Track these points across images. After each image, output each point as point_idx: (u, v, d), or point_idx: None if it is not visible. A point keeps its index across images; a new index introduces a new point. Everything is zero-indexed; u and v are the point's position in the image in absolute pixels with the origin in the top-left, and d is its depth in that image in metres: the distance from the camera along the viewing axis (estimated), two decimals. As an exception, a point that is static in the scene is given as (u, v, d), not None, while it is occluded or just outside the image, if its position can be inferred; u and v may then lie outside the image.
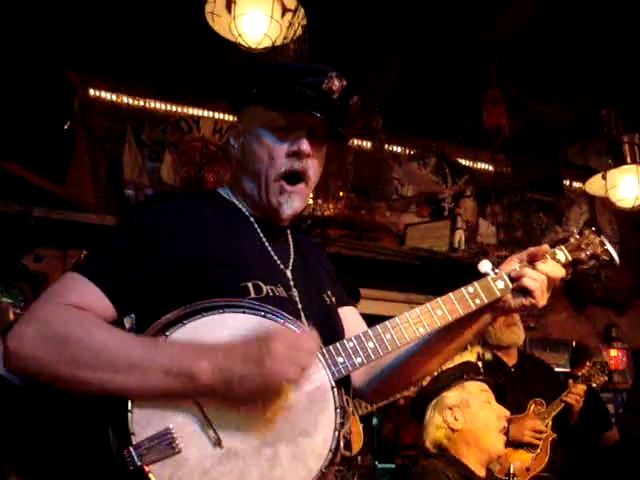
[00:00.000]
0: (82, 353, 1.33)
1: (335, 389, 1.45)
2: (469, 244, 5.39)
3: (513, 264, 1.70)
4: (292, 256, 1.72)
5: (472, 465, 2.80)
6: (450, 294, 1.62)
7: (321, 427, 1.40)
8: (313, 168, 1.70)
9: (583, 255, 1.78)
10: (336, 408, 1.43)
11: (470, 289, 1.63)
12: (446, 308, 1.60)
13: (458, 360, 3.42)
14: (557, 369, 4.76)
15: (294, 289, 1.61)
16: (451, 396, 2.90)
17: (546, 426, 3.71)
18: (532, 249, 1.71)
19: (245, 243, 1.65)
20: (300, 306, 1.57)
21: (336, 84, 1.66)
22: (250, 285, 1.51)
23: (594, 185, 4.85)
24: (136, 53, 4.51)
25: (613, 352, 6.02)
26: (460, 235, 5.35)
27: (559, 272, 1.69)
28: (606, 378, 3.89)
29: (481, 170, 5.83)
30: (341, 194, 5.06)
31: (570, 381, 3.89)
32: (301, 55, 3.81)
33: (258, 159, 1.67)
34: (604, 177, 4.65)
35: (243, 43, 3.74)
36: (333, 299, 1.76)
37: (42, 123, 4.38)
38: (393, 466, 4.55)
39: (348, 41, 4.26)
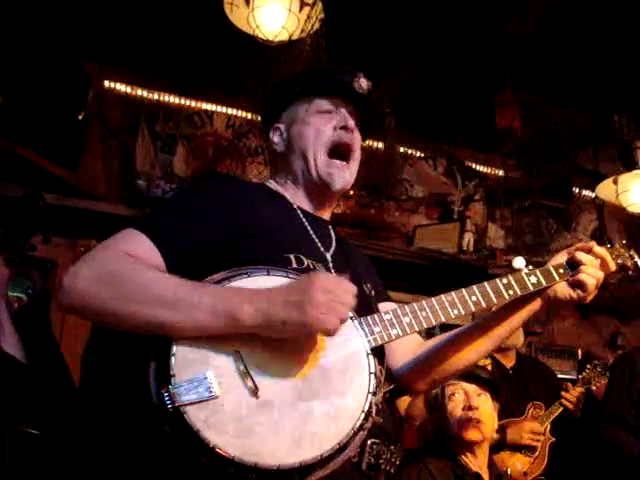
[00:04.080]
0: (131, 289, 1.39)
1: (371, 356, 1.49)
2: (477, 247, 5.38)
3: (561, 257, 1.77)
4: (333, 245, 1.80)
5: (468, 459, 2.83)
6: (485, 283, 1.68)
7: (355, 390, 1.44)
8: (358, 144, 1.83)
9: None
10: (370, 373, 1.47)
11: (504, 280, 1.71)
12: (480, 295, 1.66)
13: None
14: (562, 376, 4.70)
15: (333, 270, 1.69)
16: None
17: (545, 430, 3.64)
18: (580, 244, 1.78)
19: (289, 224, 1.75)
20: None
21: (365, 83, 1.83)
22: (292, 257, 1.59)
23: (605, 190, 4.85)
24: (152, 46, 4.54)
25: (618, 360, 5.98)
26: (469, 238, 5.34)
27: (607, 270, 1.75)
28: (606, 380, 3.81)
29: (491, 174, 5.84)
30: (351, 192, 5.06)
31: (569, 384, 3.85)
32: (317, 49, 3.83)
33: (304, 138, 1.80)
34: (615, 182, 4.66)
35: (260, 35, 3.77)
36: (372, 292, 1.82)
37: (57, 111, 4.41)
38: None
39: (364, 37, 4.28)
